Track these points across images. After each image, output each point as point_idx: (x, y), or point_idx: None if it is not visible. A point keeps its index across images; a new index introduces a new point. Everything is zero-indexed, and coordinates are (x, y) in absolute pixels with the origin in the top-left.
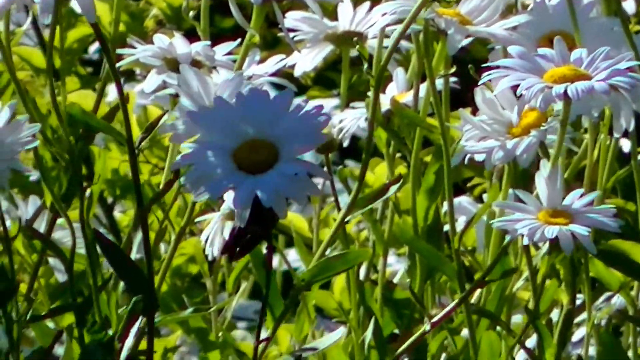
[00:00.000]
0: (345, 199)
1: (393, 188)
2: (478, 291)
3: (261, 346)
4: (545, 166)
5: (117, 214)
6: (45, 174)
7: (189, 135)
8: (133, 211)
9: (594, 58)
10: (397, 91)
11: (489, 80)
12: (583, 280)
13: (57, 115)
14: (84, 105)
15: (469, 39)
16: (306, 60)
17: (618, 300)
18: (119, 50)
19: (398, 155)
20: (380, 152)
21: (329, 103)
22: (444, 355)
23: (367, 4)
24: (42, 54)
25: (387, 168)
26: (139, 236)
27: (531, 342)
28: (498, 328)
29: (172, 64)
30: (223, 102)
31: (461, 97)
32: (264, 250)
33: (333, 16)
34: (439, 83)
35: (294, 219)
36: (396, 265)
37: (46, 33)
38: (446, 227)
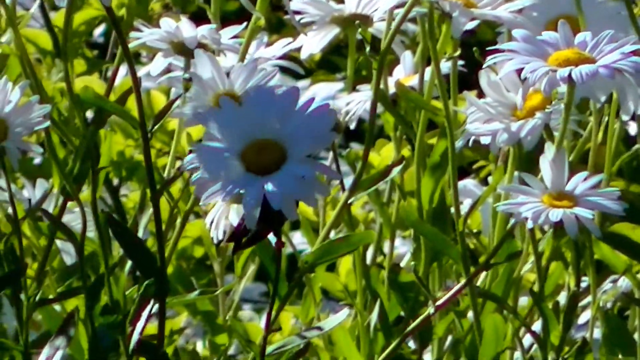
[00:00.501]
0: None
1: (396, 169)
2: (485, 275)
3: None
4: (549, 149)
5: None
6: (55, 156)
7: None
8: (138, 194)
9: (598, 41)
10: (404, 74)
11: (494, 63)
12: (588, 263)
13: (70, 97)
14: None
15: (474, 22)
16: (312, 43)
17: (624, 283)
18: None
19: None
20: (386, 134)
21: (333, 87)
22: (449, 337)
23: None
24: (48, 36)
25: (394, 151)
26: (144, 219)
27: (538, 325)
28: (505, 312)
29: (179, 48)
30: (229, 102)
31: (467, 80)
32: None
33: None
34: (445, 66)
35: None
36: (401, 248)
37: (52, 15)
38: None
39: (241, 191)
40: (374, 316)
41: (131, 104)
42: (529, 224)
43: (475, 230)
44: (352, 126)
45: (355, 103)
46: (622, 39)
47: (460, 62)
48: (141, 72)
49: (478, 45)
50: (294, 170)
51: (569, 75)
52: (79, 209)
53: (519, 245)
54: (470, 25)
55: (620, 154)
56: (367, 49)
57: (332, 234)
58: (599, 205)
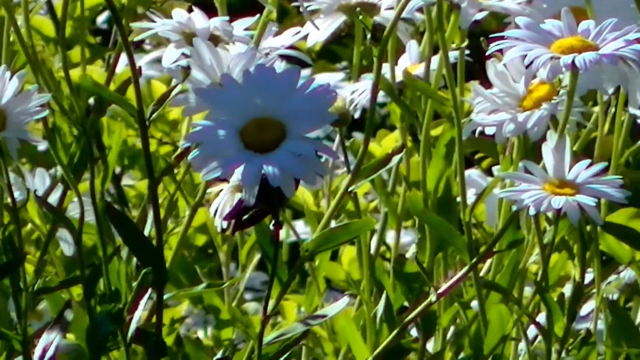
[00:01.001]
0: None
1: (396, 158)
2: (490, 265)
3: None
4: (551, 137)
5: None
6: (55, 145)
7: (200, 109)
8: (142, 182)
9: (601, 29)
10: (409, 63)
11: (499, 51)
12: (593, 254)
13: (68, 85)
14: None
15: (483, 13)
16: (319, 31)
17: (627, 274)
18: (138, 24)
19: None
20: (389, 124)
21: (334, 77)
22: (452, 327)
23: None
24: (52, 23)
25: (399, 141)
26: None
27: (542, 317)
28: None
29: (190, 39)
30: (231, 80)
31: (473, 70)
32: (270, 223)
33: None
34: (452, 55)
35: (300, 191)
36: (403, 237)
37: (55, 1)
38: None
39: (240, 166)
40: (381, 307)
41: (132, 92)
42: (531, 211)
43: (481, 221)
44: (356, 115)
45: (359, 92)
46: (625, 27)
47: (466, 52)
48: (144, 60)
49: (484, 35)
50: (293, 148)
51: (572, 62)
52: (77, 197)
53: (523, 234)
54: (479, 16)
55: (629, 145)
56: (368, 36)
57: (334, 223)
58: (601, 193)
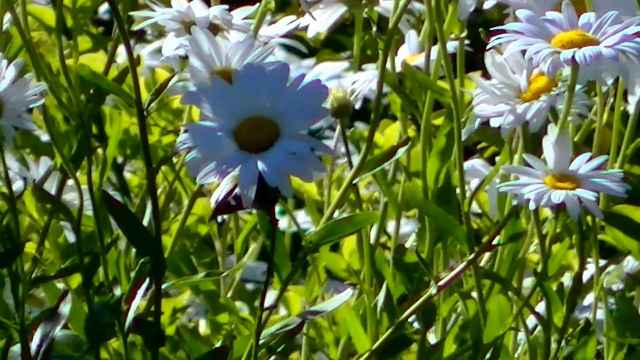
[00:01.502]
0: (356, 161)
1: (401, 150)
2: (490, 256)
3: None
4: (552, 131)
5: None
6: (54, 135)
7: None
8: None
9: (602, 23)
10: (409, 53)
11: (499, 44)
12: (591, 244)
13: (65, 76)
14: (93, 68)
15: (487, 4)
16: (319, 22)
17: (630, 264)
18: (138, 13)
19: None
20: (390, 114)
21: (338, 66)
22: (452, 317)
23: None
24: (54, 12)
25: (401, 132)
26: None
27: (542, 307)
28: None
29: (190, 27)
30: (220, 81)
31: (472, 60)
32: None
33: None
34: (451, 45)
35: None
36: (404, 227)
37: None
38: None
39: (235, 170)
40: (381, 297)
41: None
42: (531, 206)
43: (480, 211)
44: (357, 105)
45: (361, 82)
46: (626, 21)
47: (466, 42)
48: (146, 50)
49: (484, 25)
50: (287, 146)
51: (573, 57)
52: (76, 187)
53: (523, 225)
54: (486, 6)
55: (633, 138)
56: (374, 29)
57: (337, 214)
58: (602, 187)
